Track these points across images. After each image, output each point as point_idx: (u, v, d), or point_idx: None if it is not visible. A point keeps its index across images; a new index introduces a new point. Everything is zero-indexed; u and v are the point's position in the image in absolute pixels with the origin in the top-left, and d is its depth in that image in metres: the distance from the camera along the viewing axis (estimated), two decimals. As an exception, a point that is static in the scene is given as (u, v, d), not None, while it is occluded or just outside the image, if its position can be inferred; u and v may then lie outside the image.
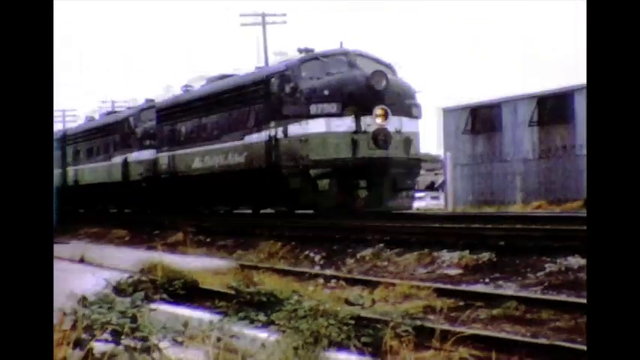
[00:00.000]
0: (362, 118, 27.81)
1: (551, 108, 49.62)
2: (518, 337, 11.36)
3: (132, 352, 6.47)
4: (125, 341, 6.58)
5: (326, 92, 28.28)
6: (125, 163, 45.20)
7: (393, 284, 16.70)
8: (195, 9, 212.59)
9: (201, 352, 7.60)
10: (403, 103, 29.12)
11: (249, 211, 37.17)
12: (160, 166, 41.09)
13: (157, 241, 33.65)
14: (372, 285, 17.19)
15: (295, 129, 29.15)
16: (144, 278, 16.60)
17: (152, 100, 46.26)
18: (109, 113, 55.30)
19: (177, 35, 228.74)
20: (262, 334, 10.00)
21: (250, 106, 32.54)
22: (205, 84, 40.62)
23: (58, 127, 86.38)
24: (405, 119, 28.91)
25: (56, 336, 6.17)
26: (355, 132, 27.78)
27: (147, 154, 42.74)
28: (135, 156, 44.28)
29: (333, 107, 27.92)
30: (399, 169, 28.72)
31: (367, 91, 27.98)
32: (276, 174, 30.24)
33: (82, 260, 25.10)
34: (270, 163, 30.59)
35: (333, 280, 18.83)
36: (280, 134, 30.07)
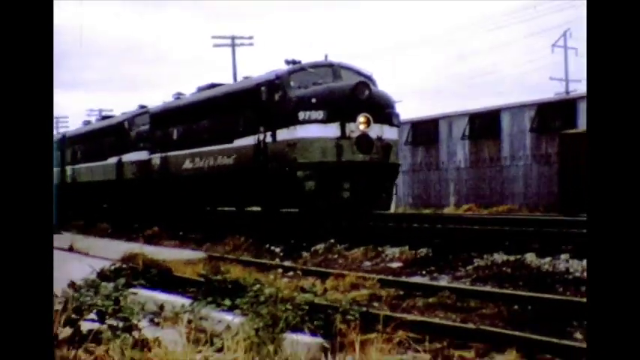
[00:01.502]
0: (346, 124, 26.92)
1: (480, 125, 49.97)
2: (450, 323, 11.41)
3: (115, 330, 6.45)
4: (109, 321, 6.56)
5: (314, 100, 27.22)
6: (119, 163, 44.18)
7: (343, 275, 16.71)
8: (172, 30, 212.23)
9: (174, 331, 7.60)
10: (384, 112, 28.17)
11: (227, 209, 35.28)
12: (153, 167, 39.80)
13: (136, 234, 33.61)
14: (324, 275, 17.20)
15: (284, 134, 28.09)
16: (125, 266, 16.57)
17: (145, 106, 45.08)
18: (104, 118, 53.87)
19: (156, 53, 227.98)
20: (228, 317, 10.00)
21: (240, 112, 31.40)
22: (195, 92, 39.27)
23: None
24: (385, 127, 28.05)
25: (50, 316, 6.14)
26: (340, 138, 26.93)
27: (140, 155, 41.60)
28: (129, 157, 43.19)
29: (320, 114, 26.96)
30: (379, 172, 27.85)
31: (351, 100, 27.10)
32: (264, 175, 29.35)
33: (71, 249, 25.01)
34: (258, 164, 29.65)
35: (291, 271, 18.85)
36: (269, 138, 28.96)
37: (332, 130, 26.81)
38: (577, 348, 9.35)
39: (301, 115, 27.03)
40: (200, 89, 38.87)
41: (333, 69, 29.43)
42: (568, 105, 46.35)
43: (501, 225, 24.16)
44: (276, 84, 28.97)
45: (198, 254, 22.89)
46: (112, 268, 16.16)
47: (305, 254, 23.70)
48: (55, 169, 55.48)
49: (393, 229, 23.83)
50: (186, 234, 32.16)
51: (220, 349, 6.59)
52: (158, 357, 6.18)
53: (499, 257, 18.78)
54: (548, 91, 68.46)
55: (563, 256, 17.74)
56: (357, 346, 8.03)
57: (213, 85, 37.68)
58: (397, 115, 29.24)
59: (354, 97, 26.95)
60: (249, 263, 20.34)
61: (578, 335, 10.65)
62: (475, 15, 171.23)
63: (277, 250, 25.23)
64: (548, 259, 17.83)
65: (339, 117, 26.81)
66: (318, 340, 9.38)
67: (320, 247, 24.37)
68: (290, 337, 9.01)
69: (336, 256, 22.89)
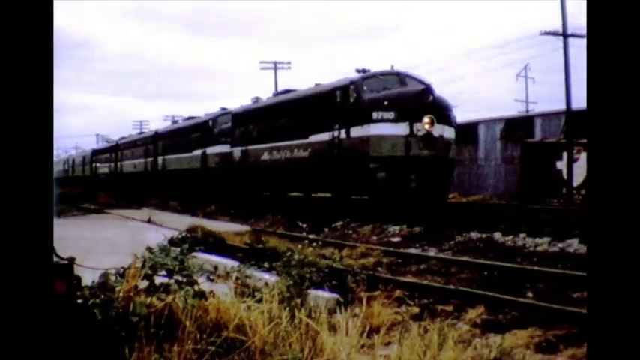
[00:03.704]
0: (414, 124, 24.87)
1: (463, 133, 49.86)
2: (435, 284, 11.40)
3: (180, 284, 6.50)
4: (176, 277, 6.59)
5: (385, 102, 25.24)
6: (204, 155, 42.89)
7: (355, 246, 16.71)
8: (229, 55, 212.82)
9: (225, 286, 7.62)
10: (444, 115, 25.97)
11: (270, 194, 34.38)
12: (234, 158, 37.73)
13: (198, 211, 33.67)
14: (340, 246, 17.20)
15: (357, 131, 25.91)
16: (189, 235, 16.61)
17: (225, 108, 43.82)
18: (189, 118, 52.25)
19: (215, 72, 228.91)
20: (266, 276, 10.02)
21: (315, 113, 29.27)
22: (271, 96, 37.40)
23: (134, 132, 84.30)
24: (446, 127, 25.83)
25: (132, 271, 6.20)
26: (409, 135, 24.77)
27: (222, 149, 40.09)
28: (212, 149, 41.80)
29: (391, 115, 24.92)
30: (440, 166, 25.69)
31: (418, 103, 25.06)
32: (337, 166, 27.24)
33: (149, 221, 25.11)
34: (332, 157, 27.50)
35: (315, 242, 18.86)
36: (343, 135, 26.82)
37: (401, 129, 25.02)
38: (528, 303, 9.37)
39: (375, 115, 25.32)
40: (276, 94, 37.12)
41: (400, 77, 27.72)
42: (528, 120, 46.41)
43: (476, 210, 24.16)
44: (350, 88, 27.25)
45: (245, 227, 22.95)
46: (179, 236, 16.23)
47: (326, 230, 23.70)
48: (149, 159, 55.21)
49: (395, 211, 23.67)
50: (237, 211, 32.16)
51: (259, 300, 6.59)
52: (212, 305, 6.20)
53: (474, 235, 18.80)
54: (513, 109, 68.41)
55: (521, 235, 17.75)
56: (364, 301, 8.03)
57: (287, 91, 35.75)
58: (454, 118, 27.37)
59: (420, 100, 25.29)
60: (284, 235, 20.35)
61: (530, 294, 10.66)
62: (463, 49, 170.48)
63: (304, 225, 25.23)
64: (510, 236, 17.86)
65: (408, 117, 25.06)
66: (335, 295, 9.40)
67: (338, 224, 24.40)
68: (313, 293, 9.02)
69: (350, 231, 22.92)
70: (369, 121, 25.37)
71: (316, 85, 32.24)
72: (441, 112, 25.80)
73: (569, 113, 37.20)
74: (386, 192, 25.17)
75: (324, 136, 28.22)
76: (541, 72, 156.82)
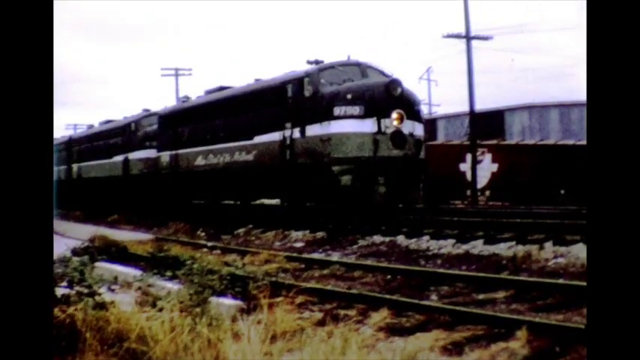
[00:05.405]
0: (381, 120, 21.98)
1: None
2: (338, 289, 11.52)
3: (80, 295, 6.50)
4: (77, 287, 6.60)
5: (349, 96, 22.31)
6: (126, 161, 39.37)
7: (258, 253, 16.77)
8: (128, 61, 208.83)
9: (127, 296, 7.64)
10: (414, 109, 23.24)
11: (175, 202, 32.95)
12: (162, 164, 34.12)
13: (101, 220, 33.29)
14: (243, 253, 17.24)
15: (315, 129, 22.96)
16: (91, 245, 16.48)
17: (149, 110, 40.43)
18: (107, 122, 48.06)
19: (114, 81, 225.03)
20: (169, 285, 10.05)
21: (261, 110, 26.10)
22: (203, 95, 33.41)
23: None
24: (416, 124, 23.08)
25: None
26: (376, 133, 21.92)
27: (147, 154, 36.67)
28: (135, 155, 38.32)
29: (356, 110, 22.07)
30: (411, 167, 22.80)
31: (386, 96, 22.13)
32: (290, 169, 24.19)
33: (50, 231, 24.75)
34: (283, 159, 24.40)
35: (217, 249, 18.87)
36: (297, 134, 23.73)
37: (368, 126, 22.17)
38: (433, 307, 9.56)
39: (337, 110, 22.39)
40: (208, 92, 33.33)
41: (361, 68, 24.62)
42: (431, 123, 47.11)
43: (380, 214, 24.38)
44: (305, 81, 24.10)
45: (148, 236, 22.83)
46: (82, 246, 16.11)
47: (225, 237, 23.62)
48: (63, 167, 52.96)
49: (298, 217, 23.79)
50: (140, 220, 31.90)
51: (161, 310, 6.64)
52: (113, 315, 6.23)
53: (377, 239, 19.06)
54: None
55: (425, 238, 18.05)
56: (266, 307, 8.12)
57: (222, 88, 32.11)
58: (423, 113, 25.16)
59: (388, 93, 22.37)
60: (186, 243, 20.30)
61: (434, 297, 10.87)
62: (364, 52, 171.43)
63: (204, 233, 25.18)
64: (414, 239, 18.14)
65: (375, 113, 22.19)
66: (238, 302, 9.47)
67: (241, 230, 24.43)
68: (215, 300, 9.08)
69: (253, 238, 22.96)
70: (330, 117, 22.64)
71: (256, 80, 29.51)
72: (410, 106, 23.26)
73: (472, 115, 37.86)
74: (352, 198, 22.46)
75: (273, 137, 25.31)
76: (446, 74, 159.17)
